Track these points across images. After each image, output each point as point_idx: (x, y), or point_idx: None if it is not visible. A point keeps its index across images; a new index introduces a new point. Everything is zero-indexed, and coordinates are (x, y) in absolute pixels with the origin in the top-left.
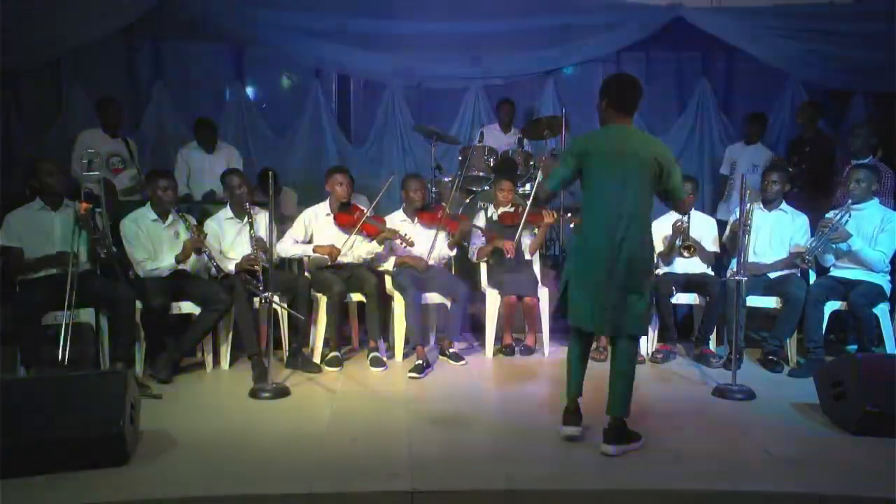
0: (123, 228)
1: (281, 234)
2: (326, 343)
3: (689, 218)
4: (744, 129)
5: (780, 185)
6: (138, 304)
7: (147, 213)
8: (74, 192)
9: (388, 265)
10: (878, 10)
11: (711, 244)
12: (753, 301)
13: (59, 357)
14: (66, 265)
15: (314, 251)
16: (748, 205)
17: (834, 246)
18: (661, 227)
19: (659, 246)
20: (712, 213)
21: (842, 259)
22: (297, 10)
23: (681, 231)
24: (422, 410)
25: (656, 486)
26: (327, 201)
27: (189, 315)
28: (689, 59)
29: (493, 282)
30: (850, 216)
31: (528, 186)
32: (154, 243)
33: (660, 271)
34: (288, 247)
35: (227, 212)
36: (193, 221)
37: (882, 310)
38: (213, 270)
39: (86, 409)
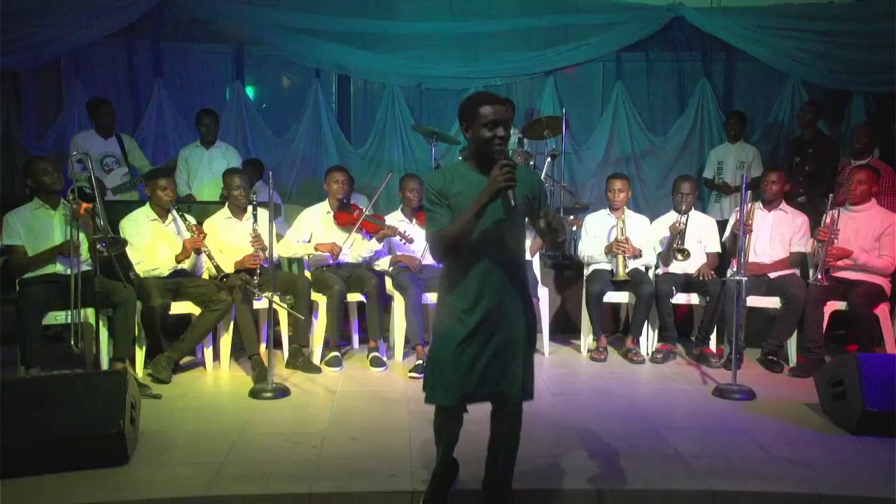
0: (123, 228)
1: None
2: (326, 343)
3: (687, 219)
4: (725, 129)
5: (779, 185)
6: (138, 304)
7: (146, 213)
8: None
9: (386, 263)
10: (878, 10)
11: (712, 244)
12: (753, 301)
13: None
14: (68, 253)
15: (316, 249)
16: (748, 205)
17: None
18: (661, 228)
19: (659, 247)
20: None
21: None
22: (297, 11)
23: (678, 232)
24: (422, 410)
25: (656, 486)
26: (327, 200)
27: (189, 315)
28: (689, 59)
29: None
30: (838, 214)
31: None
32: (154, 243)
33: (659, 271)
34: (289, 247)
35: (225, 211)
36: (193, 221)
37: (882, 310)
38: (213, 270)
39: (86, 409)
